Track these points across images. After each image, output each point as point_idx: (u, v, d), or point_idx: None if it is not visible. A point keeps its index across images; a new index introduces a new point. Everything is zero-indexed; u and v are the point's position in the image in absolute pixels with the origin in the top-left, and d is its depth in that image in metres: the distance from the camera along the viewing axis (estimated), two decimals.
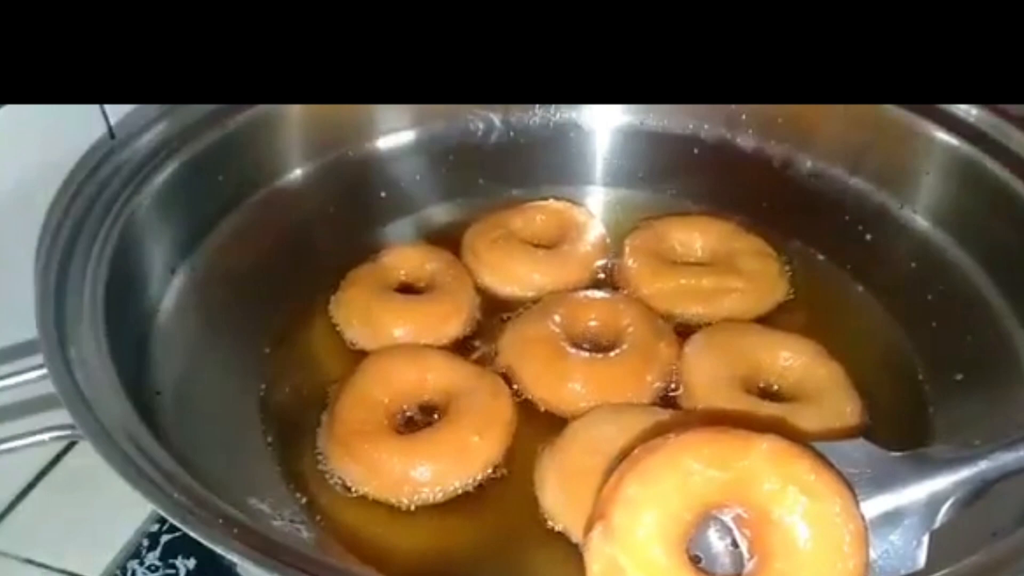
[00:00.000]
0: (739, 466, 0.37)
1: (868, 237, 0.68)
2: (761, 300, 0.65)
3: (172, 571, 0.56)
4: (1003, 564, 0.41)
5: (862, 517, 0.38)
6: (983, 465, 0.40)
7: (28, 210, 0.56)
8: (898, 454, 0.41)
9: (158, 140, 0.61)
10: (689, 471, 0.37)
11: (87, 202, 0.56)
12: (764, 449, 0.38)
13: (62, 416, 0.44)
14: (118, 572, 0.57)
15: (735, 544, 0.39)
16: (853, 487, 0.38)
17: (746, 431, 0.39)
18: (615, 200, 0.75)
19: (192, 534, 0.40)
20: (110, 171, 0.58)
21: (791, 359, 0.59)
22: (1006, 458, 0.40)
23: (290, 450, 0.55)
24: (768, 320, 0.64)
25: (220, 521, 0.40)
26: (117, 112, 0.63)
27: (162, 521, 0.59)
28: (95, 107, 0.62)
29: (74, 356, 0.47)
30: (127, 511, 0.59)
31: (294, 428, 0.56)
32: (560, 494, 0.52)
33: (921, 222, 0.66)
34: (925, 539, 0.40)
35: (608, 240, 0.70)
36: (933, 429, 0.57)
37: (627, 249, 0.68)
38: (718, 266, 0.66)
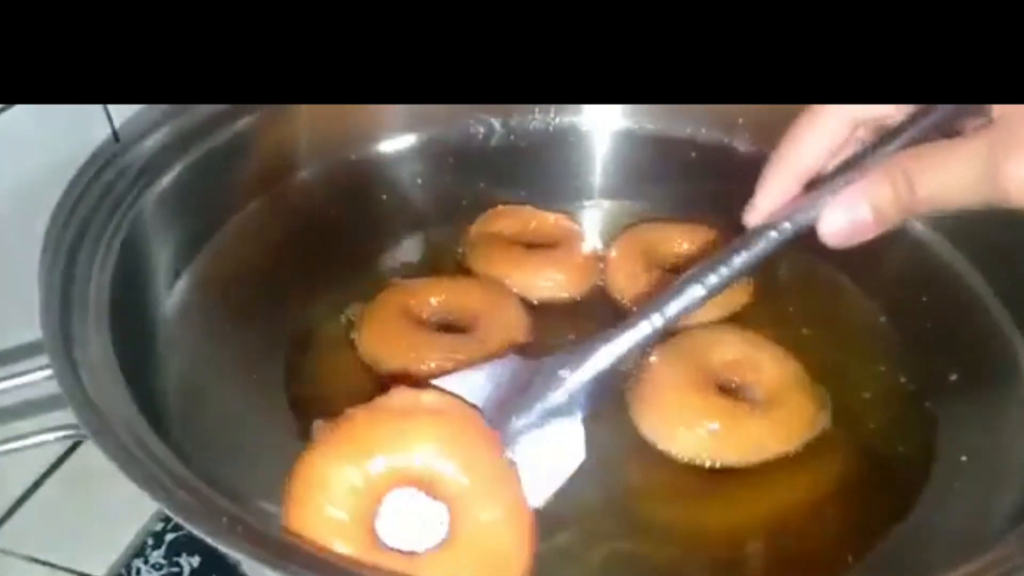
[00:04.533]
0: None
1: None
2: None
3: (176, 569, 0.57)
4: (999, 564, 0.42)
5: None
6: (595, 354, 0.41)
7: (33, 211, 0.57)
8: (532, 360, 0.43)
9: (162, 143, 0.61)
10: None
11: (92, 204, 0.56)
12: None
13: (67, 416, 0.45)
14: (123, 571, 0.57)
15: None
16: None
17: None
18: (613, 202, 0.75)
19: (196, 532, 0.40)
20: (114, 173, 0.58)
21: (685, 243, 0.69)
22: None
23: (296, 449, 0.55)
24: (761, 320, 0.64)
25: (224, 520, 0.40)
26: (121, 116, 0.64)
27: (166, 520, 0.59)
28: (99, 110, 0.63)
29: (79, 356, 0.47)
30: (132, 510, 0.59)
31: (300, 427, 0.57)
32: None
33: (916, 223, 0.66)
34: (580, 432, 0.42)
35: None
36: (927, 429, 0.57)
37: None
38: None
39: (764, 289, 0.66)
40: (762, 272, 0.66)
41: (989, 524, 0.49)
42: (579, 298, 0.67)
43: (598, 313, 0.66)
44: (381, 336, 0.61)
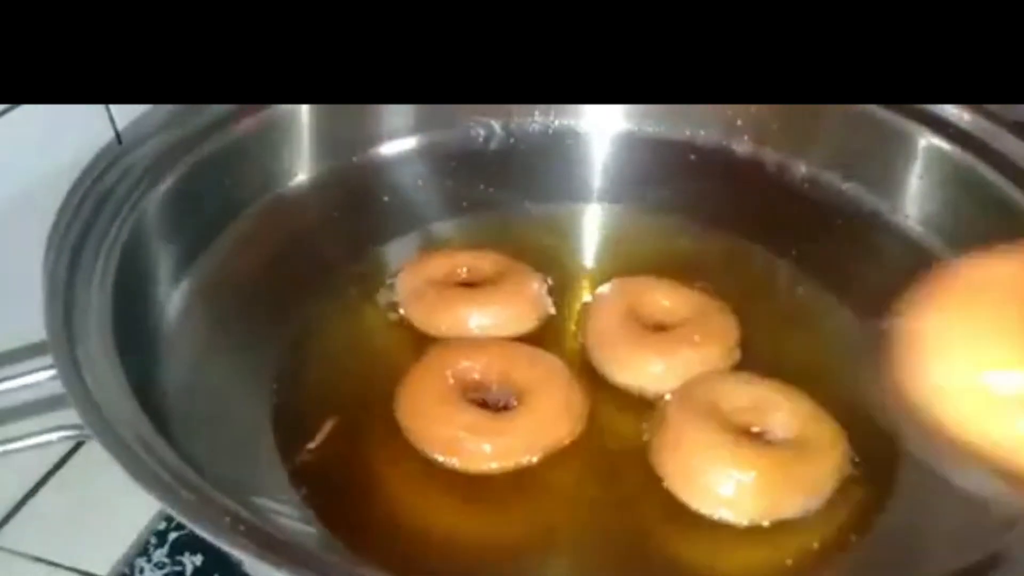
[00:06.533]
0: None
1: (861, 241, 0.68)
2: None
3: (179, 568, 0.57)
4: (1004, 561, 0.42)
5: None
6: None
7: (36, 213, 0.57)
8: None
9: (164, 145, 0.62)
10: None
11: (95, 205, 0.57)
12: None
13: (71, 416, 0.45)
14: (126, 570, 0.57)
15: None
16: None
17: None
18: (613, 205, 0.75)
19: (199, 531, 0.40)
20: (117, 175, 0.59)
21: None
22: None
23: (297, 450, 0.56)
24: (753, 325, 0.63)
25: (227, 519, 0.41)
26: (124, 118, 0.64)
27: (169, 519, 0.60)
28: (102, 112, 0.63)
29: (82, 357, 0.47)
30: (135, 509, 0.60)
31: (301, 428, 0.57)
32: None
33: (914, 226, 0.67)
34: None
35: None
36: None
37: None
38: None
39: (756, 325, 0.62)
40: (749, 305, 0.64)
41: (989, 523, 0.49)
42: (532, 330, 0.62)
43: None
44: (410, 400, 0.57)
